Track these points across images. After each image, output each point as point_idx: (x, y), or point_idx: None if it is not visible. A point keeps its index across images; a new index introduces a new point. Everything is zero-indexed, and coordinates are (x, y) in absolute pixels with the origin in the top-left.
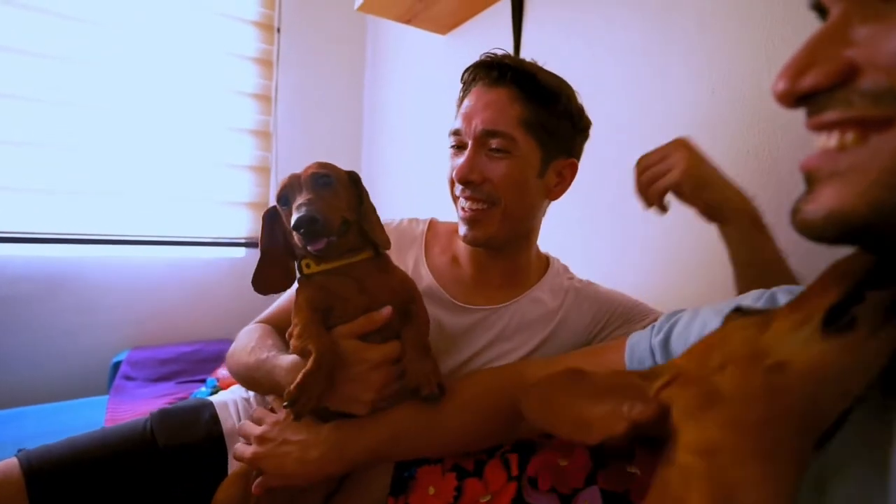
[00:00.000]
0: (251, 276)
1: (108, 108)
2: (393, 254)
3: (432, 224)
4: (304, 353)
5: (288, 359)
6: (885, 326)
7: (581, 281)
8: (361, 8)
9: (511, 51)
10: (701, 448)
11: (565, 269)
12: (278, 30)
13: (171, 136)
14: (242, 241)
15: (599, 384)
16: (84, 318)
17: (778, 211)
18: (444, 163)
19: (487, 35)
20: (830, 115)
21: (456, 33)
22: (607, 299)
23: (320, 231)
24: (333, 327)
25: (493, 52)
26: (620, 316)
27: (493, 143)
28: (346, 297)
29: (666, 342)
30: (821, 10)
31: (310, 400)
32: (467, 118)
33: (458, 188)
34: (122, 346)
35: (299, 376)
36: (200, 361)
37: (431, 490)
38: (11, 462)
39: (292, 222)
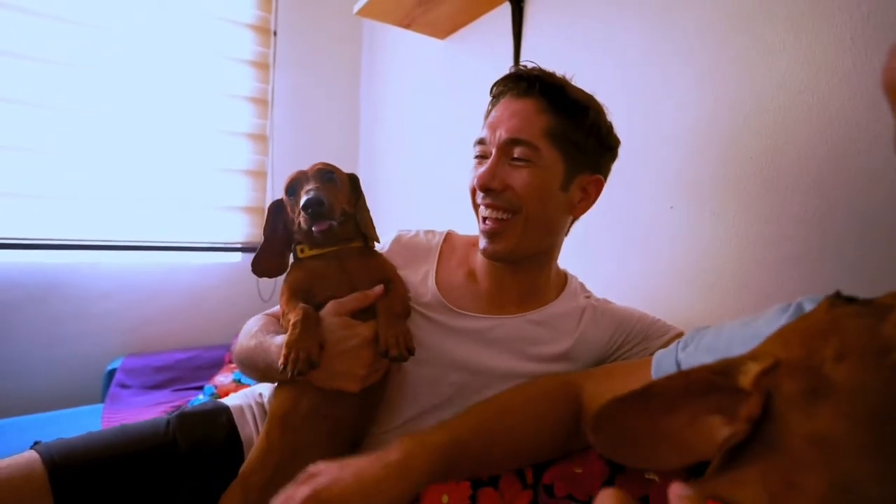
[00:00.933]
0: (246, 281)
1: (102, 112)
2: (406, 264)
3: (449, 236)
4: (286, 325)
5: (280, 338)
6: None
7: (598, 299)
8: (360, 12)
9: (511, 56)
10: (815, 437)
11: (582, 286)
12: (275, 33)
13: (166, 140)
14: (239, 246)
15: (673, 394)
16: (77, 325)
17: (780, 218)
18: (443, 168)
19: (486, 40)
20: None
21: (454, 38)
22: (625, 317)
23: (325, 213)
24: (320, 307)
25: (523, 64)
26: (639, 333)
27: (517, 151)
28: (326, 276)
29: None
30: None
31: (300, 356)
32: (492, 127)
33: (480, 196)
34: (117, 354)
35: (287, 337)
36: (197, 368)
37: (445, 498)
38: (31, 456)
39: (301, 202)
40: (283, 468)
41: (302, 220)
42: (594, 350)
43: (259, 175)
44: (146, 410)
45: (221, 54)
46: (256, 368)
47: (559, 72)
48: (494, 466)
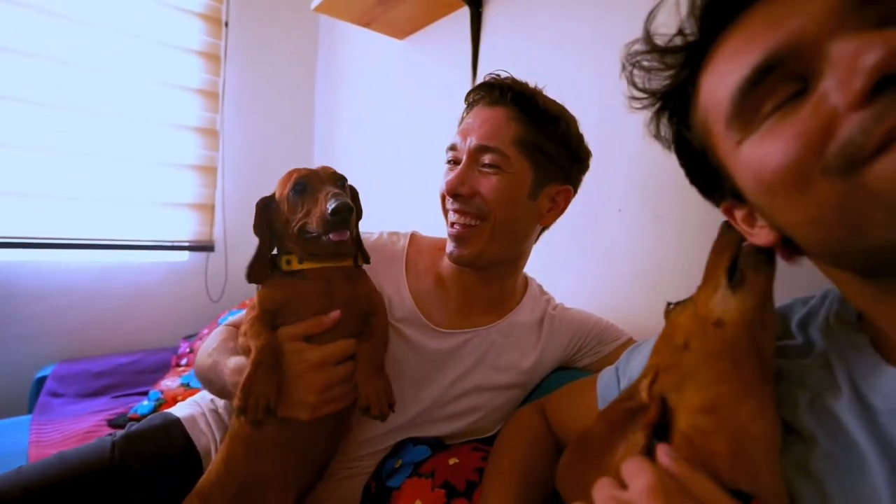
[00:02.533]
0: (194, 280)
1: (38, 103)
2: (372, 268)
3: (414, 239)
4: (247, 352)
5: (234, 360)
6: (760, 265)
7: (555, 306)
8: (318, 8)
9: (469, 58)
10: (705, 408)
11: (541, 289)
12: (226, 24)
13: (107, 133)
14: (186, 244)
15: (602, 436)
16: (5, 329)
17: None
18: (402, 169)
19: (446, 42)
20: None
21: (414, 39)
22: (580, 324)
23: (348, 222)
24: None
25: (496, 73)
26: (593, 338)
27: (486, 158)
28: (307, 299)
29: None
30: None
31: (258, 403)
32: (464, 134)
33: (449, 201)
34: (50, 360)
35: (242, 379)
36: (140, 373)
37: (418, 503)
38: None
39: (330, 206)
40: (246, 492)
41: (317, 223)
42: (555, 358)
43: (209, 171)
44: (82, 420)
45: (167, 43)
46: (213, 387)
47: (525, 79)
48: None
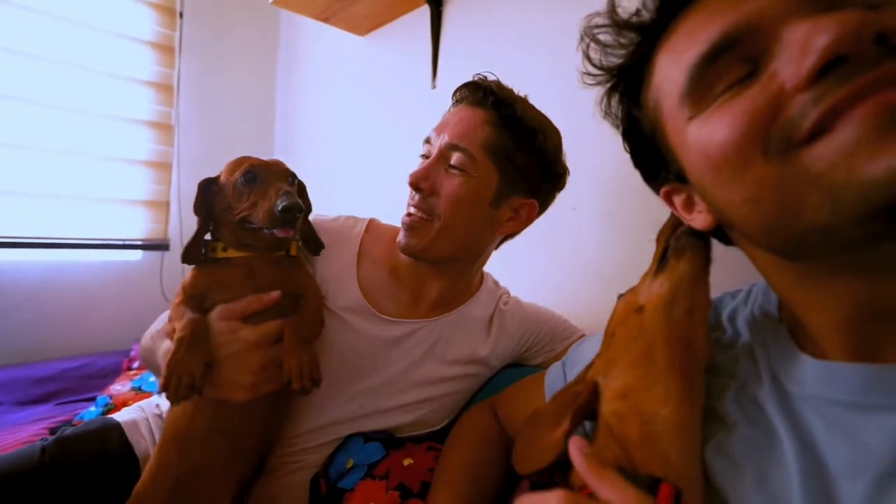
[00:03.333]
0: (148, 280)
1: None
2: (323, 251)
3: (372, 226)
4: (171, 337)
5: (168, 343)
6: (684, 250)
7: (508, 301)
8: (277, 2)
9: (430, 56)
10: (621, 393)
11: (496, 284)
12: (181, 14)
13: (56, 127)
14: (139, 242)
15: (552, 413)
16: None
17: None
18: (363, 165)
19: (407, 40)
20: None
21: (375, 35)
22: (533, 320)
23: (296, 221)
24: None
25: (484, 74)
26: (545, 335)
27: (454, 158)
28: (230, 284)
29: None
30: None
31: (181, 383)
32: (439, 129)
33: (410, 192)
34: None
35: (169, 355)
36: (88, 378)
37: None
38: None
39: (281, 204)
40: (181, 487)
41: (263, 217)
42: (507, 354)
43: (162, 167)
44: (21, 429)
45: (118, 33)
46: (154, 372)
47: (478, 71)
48: None
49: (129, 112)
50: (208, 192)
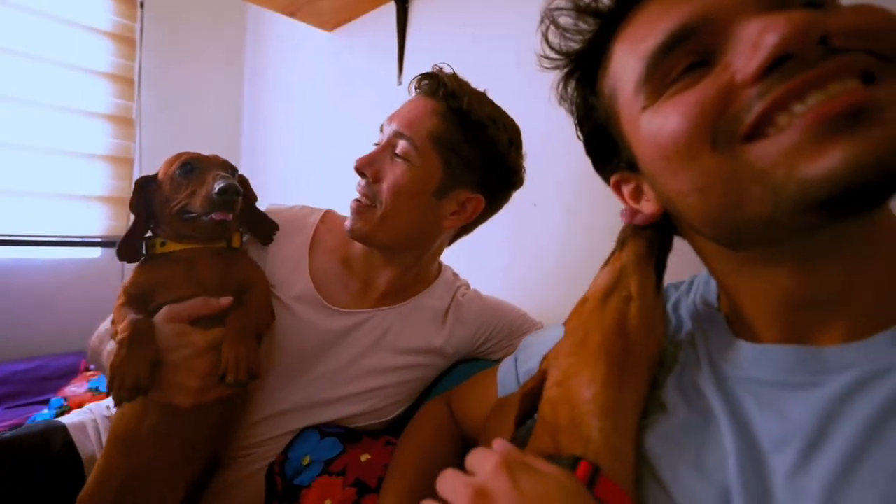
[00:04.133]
0: (108, 278)
1: None
2: (276, 240)
3: (328, 216)
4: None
5: (112, 344)
6: (626, 241)
7: (466, 293)
8: None
9: (396, 52)
10: (557, 381)
11: (455, 277)
12: (141, 4)
13: (9, 120)
14: (98, 239)
15: (516, 402)
16: None
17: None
18: (331, 161)
19: (373, 36)
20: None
21: (342, 31)
22: (491, 312)
23: (233, 203)
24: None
25: (442, 65)
26: (503, 329)
27: (400, 146)
28: (172, 282)
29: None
30: None
31: (123, 383)
32: (391, 118)
33: (358, 178)
34: None
35: (112, 357)
36: (42, 380)
37: (328, 503)
38: None
39: (217, 186)
40: (126, 491)
41: (201, 202)
42: (463, 345)
43: (123, 161)
44: None
45: (72, 22)
46: (103, 372)
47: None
48: None
49: (86, 105)
50: (147, 190)
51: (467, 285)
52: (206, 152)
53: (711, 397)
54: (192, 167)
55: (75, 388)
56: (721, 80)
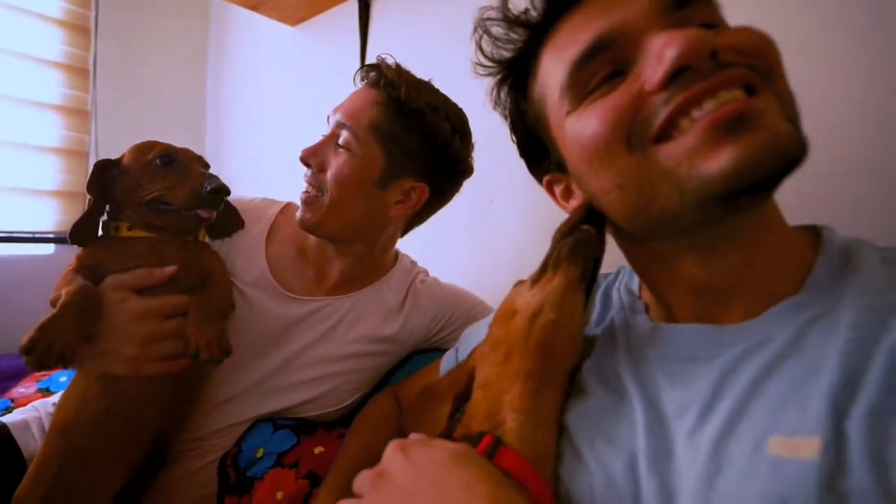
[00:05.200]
0: (61, 275)
1: None
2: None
3: (287, 208)
4: (54, 304)
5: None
6: (562, 263)
7: (424, 280)
8: None
9: (358, 48)
10: (481, 384)
11: (413, 264)
12: None
13: None
14: (51, 235)
15: (443, 389)
16: None
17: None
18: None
19: (337, 31)
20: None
21: (306, 26)
22: (449, 299)
23: (220, 204)
24: None
25: (385, 55)
26: (460, 317)
27: (342, 136)
28: (132, 256)
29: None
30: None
31: (51, 347)
32: (336, 108)
33: (305, 168)
34: None
35: (42, 320)
36: None
37: (280, 495)
38: None
39: (210, 185)
40: (64, 477)
41: (186, 197)
42: (419, 332)
43: (76, 155)
44: None
45: (20, 9)
46: None
47: (406, 64)
48: None
49: (37, 95)
50: (106, 174)
51: (426, 272)
52: (172, 143)
53: (627, 379)
54: (172, 159)
55: (23, 390)
56: (633, 89)
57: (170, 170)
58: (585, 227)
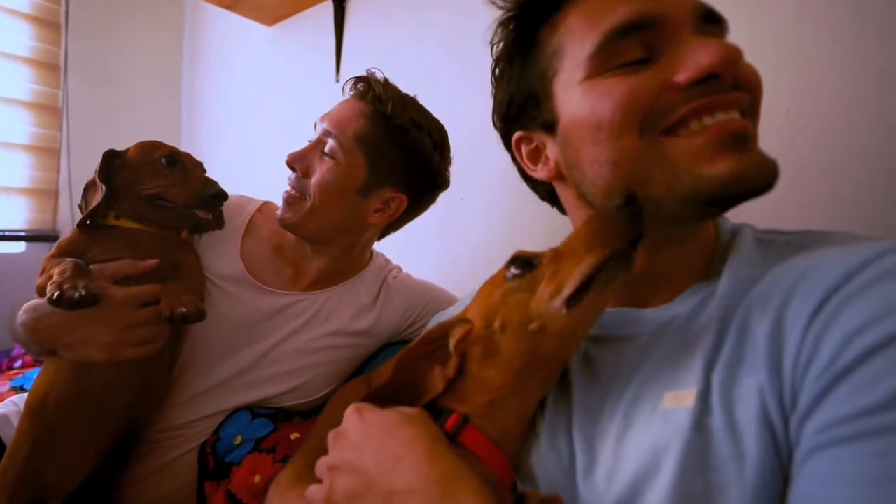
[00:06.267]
0: (34, 274)
1: None
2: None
3: (265, 206)
4: (43, 289)
5: (24, 306)
6: (611, 284)
7: (397, 276)
8: None
9: (333, 50)
10: (487, 388)
11: (386, 262)
12: None
13: None
14: (22, 233)
15: (417, 354)
16: None
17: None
18: (271, 154)
19: (312, 31)
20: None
21: (282, 26)
22: (420, 293)
23: (220, 206)
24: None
25: (374, 70)
26: (432, 310)
27: (328, 145)
28: (107, 249)
29: None
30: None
31: (76, 287)
32: (323, 117)
33: (290, 171)
34: None
35: (57, 276)
36: None
37: (257, 478)
38: None
39: (213, 190)
40: (35, 460)
41: (188, 197)
42: (391, 325)
43: (47, 152)
44: None
45: None
46: (26, 344)
47: (380, 65)
48: None
49: (5, 92)
50: (111, 164)
51: (399, 269)
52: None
53: (574, 363)
54: (176, 160)
55: None
56: (658, 77)
57: (173, 170)
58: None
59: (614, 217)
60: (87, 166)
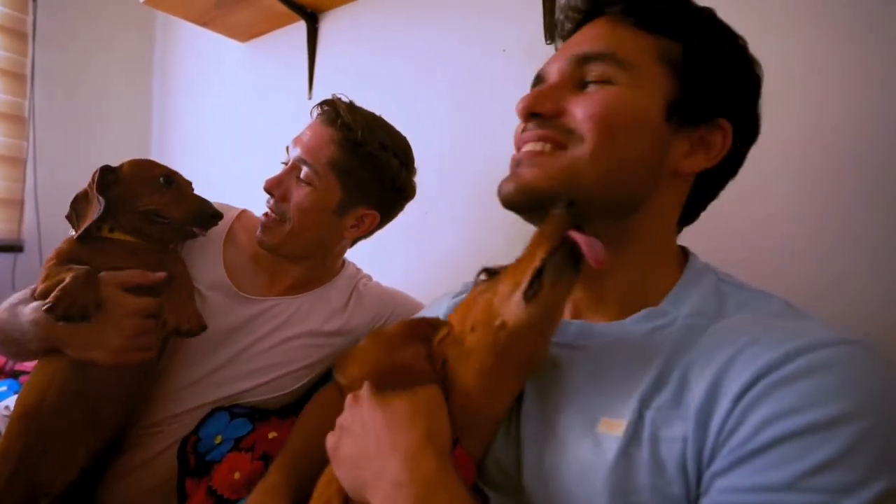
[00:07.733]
0: (3, 284)
1: None
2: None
3: (243, 214)
4: (46, 293)
5: (33, 304)
6: (560, 280)
7: (367, 283)
8: (148, 1)
9: (306, 67)
10: (463, 391)
11: (357, 270)
12: None
13: None
14: None
15: (400, 336)
16: None
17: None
18: (241, 169)
19: (285, 51)
20: (543, 132)
21: (255, 43)
22: (388, 299)
23: (214, 225)
24: None
25: (340, 95)
26: (400, 315)
27: (303, 171)
28: (107, 259)
29: None
30: (538, 80)
31: (75, 303)
32: (296, 141)
33: (266, 196)
34: None
35: (65, 282)
36: None
37: (237, 475)
38: None
39: (211, 210)
40: (28, 459)
41: (184, 214)
42: (361, 328)
43: (13, 161)
44: None
45: None
46: (9, 338)
47: (353, 83)
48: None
49: None
50: (105, 179)
51: (369, 277)
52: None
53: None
54: (172, 180)
55: None
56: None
57: (170, 188)
58: (572, 234)
59: (553, 217)
60: (54, 177)
